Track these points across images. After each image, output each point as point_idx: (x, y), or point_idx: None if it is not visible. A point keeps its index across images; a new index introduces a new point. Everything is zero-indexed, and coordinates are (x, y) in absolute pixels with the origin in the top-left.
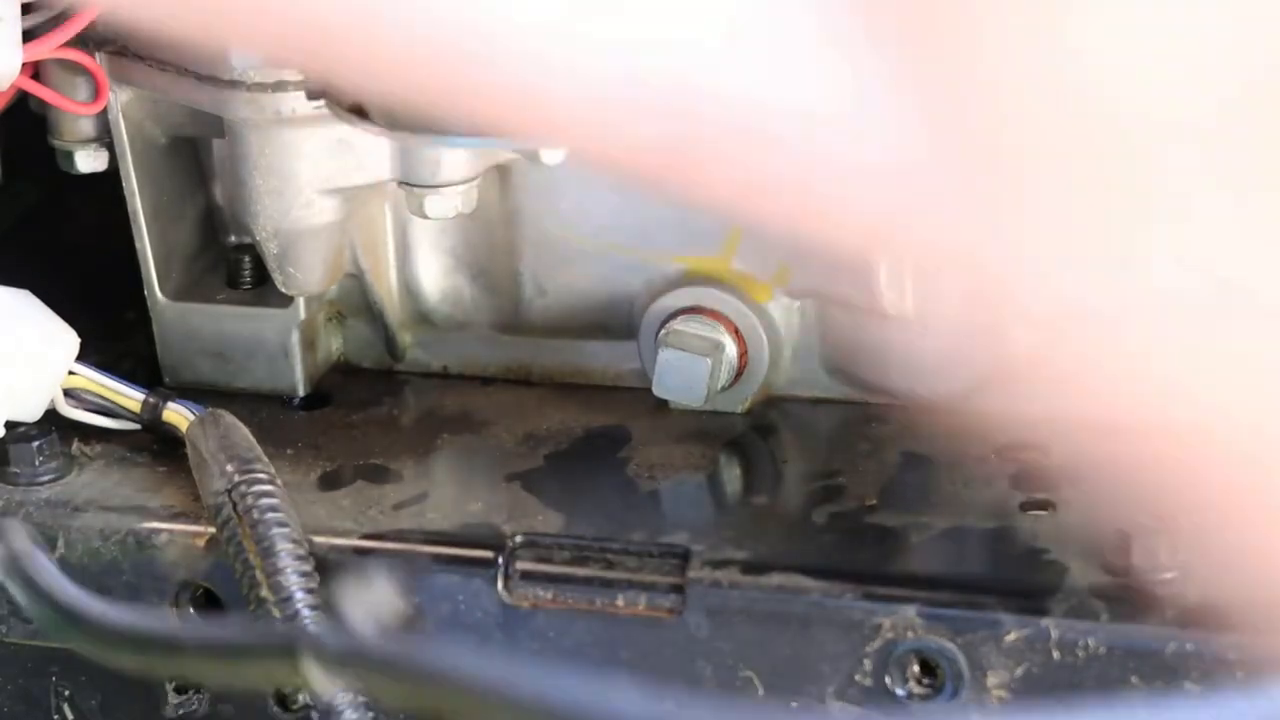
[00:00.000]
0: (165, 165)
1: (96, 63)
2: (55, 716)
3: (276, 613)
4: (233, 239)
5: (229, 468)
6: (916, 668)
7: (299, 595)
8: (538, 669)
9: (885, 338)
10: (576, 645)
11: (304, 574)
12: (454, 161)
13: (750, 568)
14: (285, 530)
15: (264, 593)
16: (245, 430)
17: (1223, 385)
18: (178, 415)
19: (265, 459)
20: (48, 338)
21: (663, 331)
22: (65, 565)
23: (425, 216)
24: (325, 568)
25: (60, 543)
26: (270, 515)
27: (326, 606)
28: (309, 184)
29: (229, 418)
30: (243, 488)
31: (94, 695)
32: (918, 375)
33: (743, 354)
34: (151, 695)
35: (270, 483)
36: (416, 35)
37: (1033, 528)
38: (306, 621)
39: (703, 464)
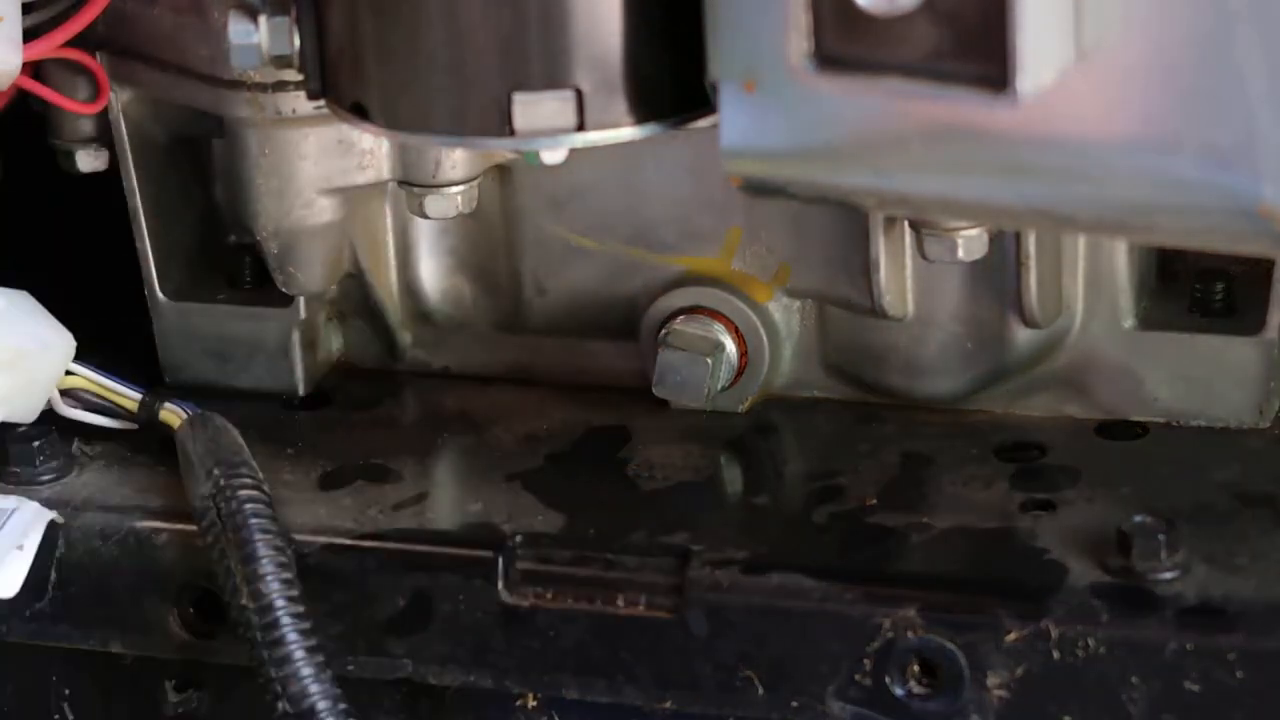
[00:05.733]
0: (165, 165)
1: (97, 62)
2: (55, 716)
3: (255, 619)
4: (233, 239)
5: (215, 471)
6: (916, 668)
7: (279, 603)
8: None
9: (885, 338)
10: (576, 645)
11: (285, 581)
12: (454, 162)
13: (750, 568)
14: (268, 537)
15: (244, 600)
16: (235, 433)
17: None
18: (173, 415)
19: (252, 463)
20: (44, 340)
21: (663, 331)
22: (65, 565)
23: (425, 216)
24: (325, 568)
25: (60, 542)
26: (254, 521)
27: (306, 614)
28: (309, 184)
29: (218, 420)
30: (227, 492)
31: (94, 695)
32: (918, 375)
33: (743, 354)
34: (151, 694)
35: (256, 487)
36: None
37: (1033, 528)
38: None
39: (703, 464)
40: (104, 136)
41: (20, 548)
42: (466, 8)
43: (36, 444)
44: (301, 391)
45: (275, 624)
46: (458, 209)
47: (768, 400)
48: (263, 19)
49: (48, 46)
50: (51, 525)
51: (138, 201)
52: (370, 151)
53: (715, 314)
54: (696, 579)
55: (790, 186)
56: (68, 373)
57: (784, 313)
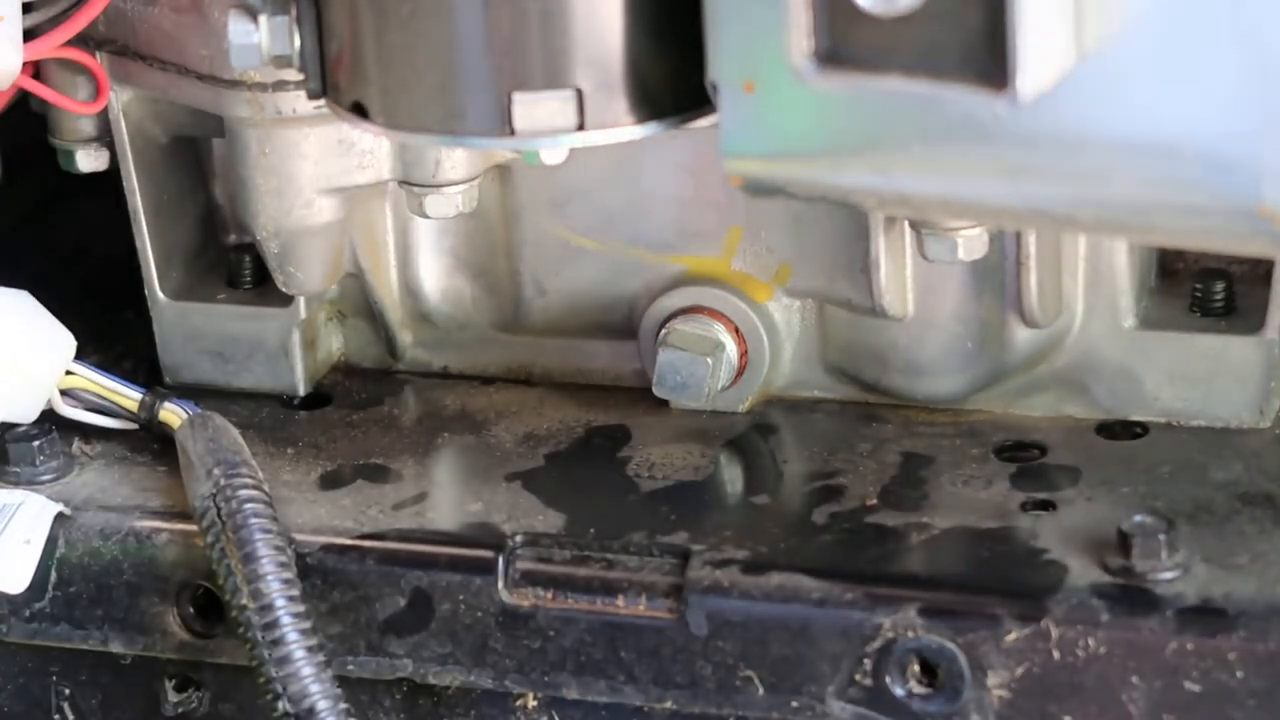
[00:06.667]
0: (165, 165)
1: (97, 62)
2: (55, 716)
3: (256, 619)
4: (233, 239)
5: (215, 471)
6: (916, 668)
7: (279, 602)
8: None
9: (885, 338)
10: (576, 645)
11: (285, 581)
12: (454, 161)
13: (750, 568)
14: (268, 537)
15: (244, 599)
16: (235, 433)
17: None
18: (173, 415)
19: (253, 463)
20: (43, 340)
21: (663, 331)
22: (65, 564)
23: (425, 216)
24: (325, 568)
25: (60, 542)
26: (254, 521)
27: (306, 614)
28: (310, 184)
29: (218, 420)
30: (227, 492)
31: (94, 695)
32: (918, 375)
33: (743, 354)
34: (151, 693)
35: (256, 488)
36: None
37: (1033, 528)
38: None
39: (703, 464)
40: (104, 136)
41: (28, 542)
42: (466, 8)
43: (36, 444)
44: (301, 391)
45: (275, 624)
46: (458, 209)
47: (768, 400)
48: (263, 19)
49: (48, 46)
50: (57, 520)
51: (138, 201)
52: (370, 151)
53: (715, 314)
54: (696, 579)
55: (790, 186)
56: (68, 373)
57: (784, 313)
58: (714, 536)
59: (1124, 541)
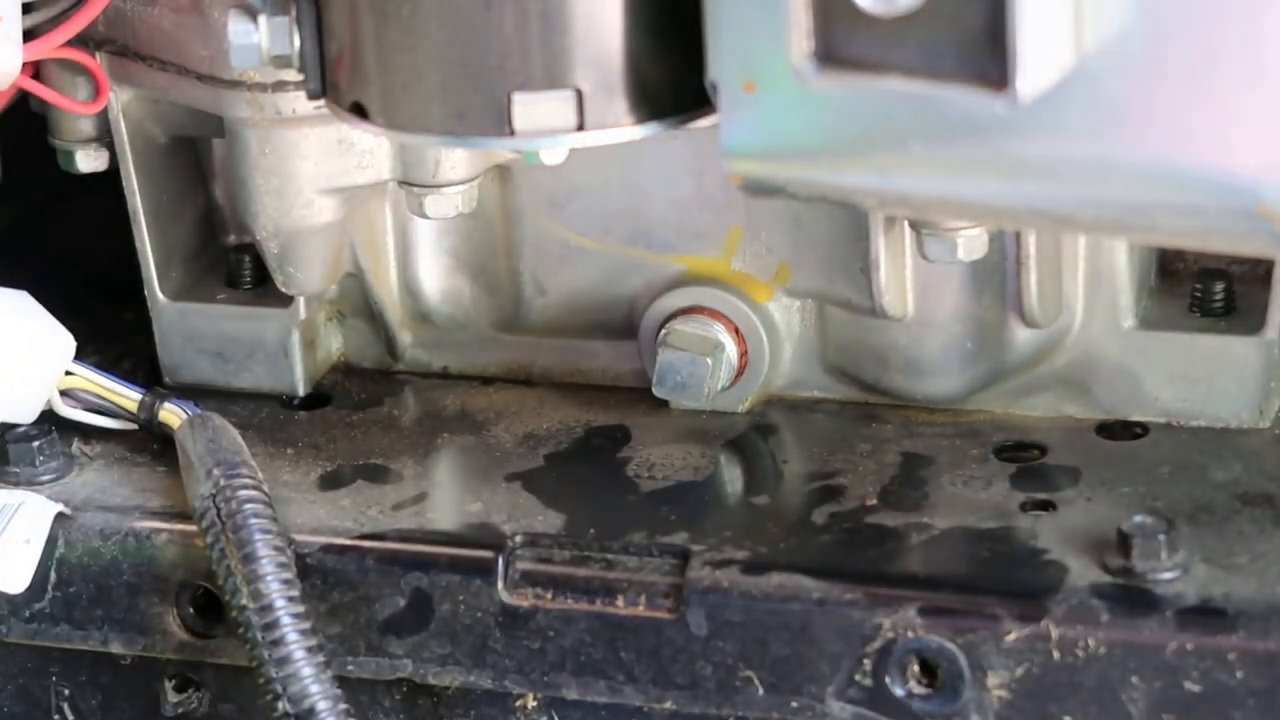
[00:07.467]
0: (165, 165)
1: (97, 62)
2: (55, 716)
3: (256, 619)
4: (233, 239)
5: (215, 472)
6: (916, 668)
7: (279, 602)
8: None
9: (885, 338)
10: (576, 645)
11: (285, 581)
12: (454, 161)
13: (750, 568)
14: (268, 537)
15: (244, 600)
16: (235, 433)
17: None
18: (173, 415)
19: (252, 463)
20: (43, 340)
21: (663, 331)
22: (65, 564)
23: (425, 216)
24: (325, 568)
25: (60, 542)
26: (254, 521)
27: (306, 614)
28: (309, 184)
29: (218, 420)
30: (227, 493)
31: (94, 695)
32: (918, 375)
33: (743, 354)
34: (150, 694)
35: (256, 488)
36: None
37: (1033, 528)
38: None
39: (703, 464)
40: (104, 136)
41: (28, 542)
42: (467, 8)
43: (36, 444)
44: (301, 391)
45: (275, 624)
46: (458, 209)
47: (768, 400)
48: (263, 19)
49: (48, 46)
50: (57, 520)
51: (138, 201)
52: (370, 151)
53: (715, 314)
54: (696, 579)
55: (790, 186)
56: (67, 373)
57: (784, 313)
58: (714, 536)
59: (1124, 541)
